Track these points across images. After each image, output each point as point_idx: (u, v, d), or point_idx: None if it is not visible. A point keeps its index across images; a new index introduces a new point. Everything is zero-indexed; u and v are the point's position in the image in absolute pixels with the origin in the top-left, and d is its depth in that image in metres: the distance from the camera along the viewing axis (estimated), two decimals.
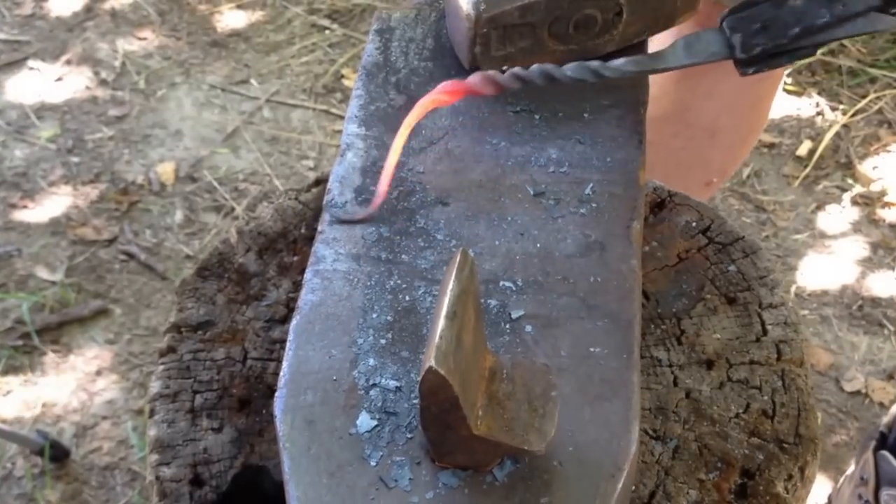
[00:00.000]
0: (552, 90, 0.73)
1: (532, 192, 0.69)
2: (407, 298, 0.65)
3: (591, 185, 0.70)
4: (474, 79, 0.68)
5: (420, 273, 0.66)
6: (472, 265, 0.55)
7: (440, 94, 0.68)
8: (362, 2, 2.50)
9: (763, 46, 0.70)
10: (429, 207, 0.69)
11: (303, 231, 0.92)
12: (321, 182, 0.98)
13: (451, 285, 0.53)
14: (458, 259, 0.54)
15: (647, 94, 0.76)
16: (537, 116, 0.73)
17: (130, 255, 2.02)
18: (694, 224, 0.94)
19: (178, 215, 2.10)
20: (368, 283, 0.66)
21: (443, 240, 0.68)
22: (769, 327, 0.82)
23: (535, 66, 0.69)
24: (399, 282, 0.66)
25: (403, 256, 0.67)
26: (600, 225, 0.68)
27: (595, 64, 0.70)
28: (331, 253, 0.68)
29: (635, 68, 0.71)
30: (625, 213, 0.69)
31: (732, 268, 0.87)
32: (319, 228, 0.70)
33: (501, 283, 0.66)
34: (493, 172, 0.70)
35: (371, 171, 0.70)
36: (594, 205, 0.69)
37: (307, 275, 0.67)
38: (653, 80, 1.42)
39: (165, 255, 2.03)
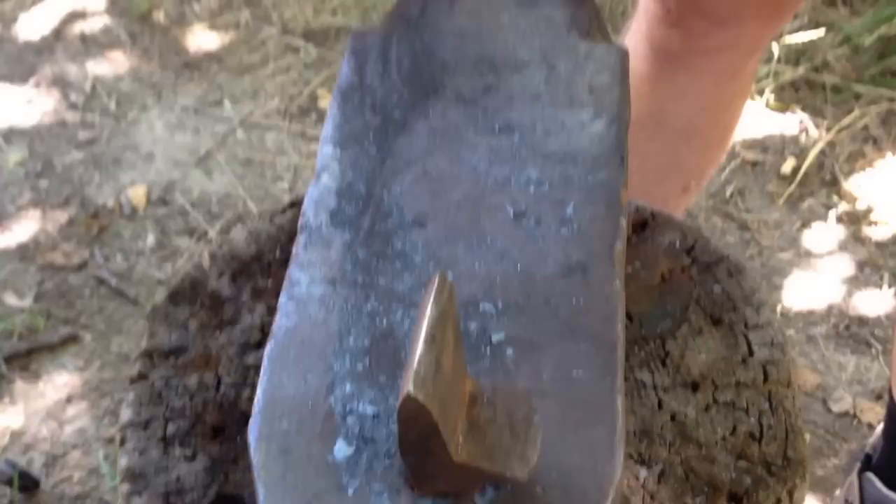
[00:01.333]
0: (532, 105, 0.71)
1: (512, 213, 0.66)
2: (384, 322, 0.63)
3: (572, 205, 0.67)
4: None
5: (398, 296, 0.64)
6: (450, 288, 0.53)
7: None
8: (337, 22, 2.48)
9: None
10: (406, 230, 0.66)
11: (277, 255, 0.89)
12: (296, 205, 0.95)
13: (429, 309, 0.50)
14: (436, 282, 0.51)
15: (629, 110, 0.73)
16: (517, 135, 0.70)
17: (101, 281, 1.97)
18: (677, 243, 0.92)
19: (150, 239, 2.06)
20: (344, 307, 0.64)
21: (421, 262, 0.65)
22: (755, 348, 0.80)
23: None
24: (376, 305, 0.64)
25: (380, 280, 0.64)
26: (582, 246, 0.66)
27: None
28: (306, 277, 0.65)
29: None
30: (607, 233, 0.67)
31: (717, 288, 0.85)
32: (294, 251, 0.68)
33: (481, 306, 0.64)
34: (472, 193, 0.67)
35: (346, 193, 0.67)
36: (576, 225, 0.66)
37: (282, 299, 0.66)
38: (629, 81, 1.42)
39: (137, 280, 1.99)
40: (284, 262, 0.81)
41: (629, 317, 0.81)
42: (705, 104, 1.42)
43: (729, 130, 1.50)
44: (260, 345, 0.79)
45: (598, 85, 0.74)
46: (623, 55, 0.76)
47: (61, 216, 2.08)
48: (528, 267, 0.65)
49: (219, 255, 0.87)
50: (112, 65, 2.40)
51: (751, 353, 0.80)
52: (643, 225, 0.91)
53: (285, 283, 0.66)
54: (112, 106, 2.30)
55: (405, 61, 0.74)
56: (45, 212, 2.08)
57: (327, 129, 0.69)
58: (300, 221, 0.68)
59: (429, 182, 0.67)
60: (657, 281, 0.85)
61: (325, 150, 0.69)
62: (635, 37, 1.39)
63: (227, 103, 2.33)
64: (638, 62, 1.38)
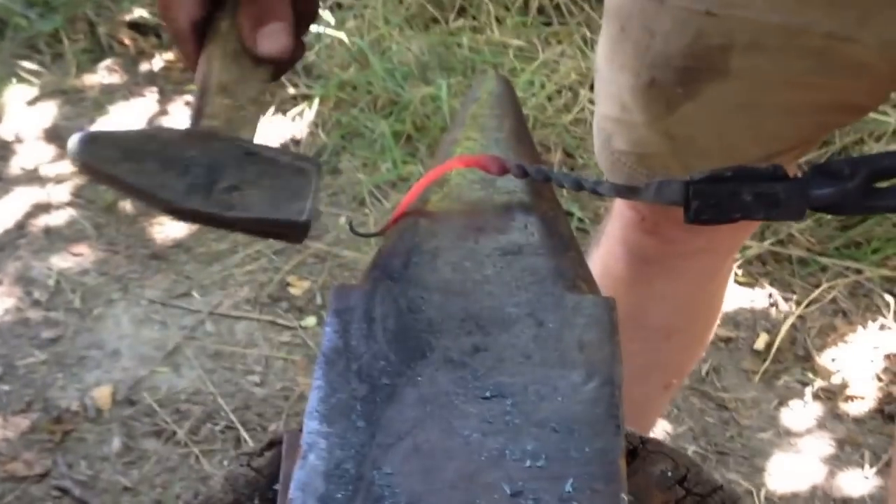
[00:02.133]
0: (522, 366, 0.68)
1: (509, 492, 0.62)
2: None
3: (570, 480, 0.63)
4: (487, 157, 0.86)
5: None
6: None
7: (457, 161, 0.87)
8: None
9: (708, 219, 0.85)
10: None
11: (256, 502, 0.84)
12: (274, 444, 0.91)
13: None
14: None
15: (622, 373, 0.70)
16: (509, 402, 0.67)
17: (64, 491, 1.90)
18: (669, 474, 0.89)
19: (116, 443, 1.99)
20: None
21: None
22: None
23: (538, 166, 0.86)
24: None
25: None
26: None
27: (588, 181, 0.86)
28: None
29: (616, 194, 0.92)
30: None
31: None
32: None
33: None
34: (466, 469, 0.63)
35: (336, 475, 0.63)
36: None
37: None
38: (605, 286, 1.41)
39: (102, 489, 1.91)
40: None
41: None
42: (684, 304, 1.40)
43: (709, 327, 1.49)
44: None
45: (588, 342, 0.71)
46: (611, 307, 0.74)
47: (23, 422, 2.01)
48: None
49: None
50: (77, 259, 2.36)
51: None
52: (633, 453, 0.88)
53: None
54: (77, 302, 2.26)
55: (390, 321, 0.71)
56: (5, 419, 2.02)
57: (313, 401, 0.66)
58: None
59: (421, 458, 0.63)
60: None
61: (312, 426, 0.65)
62: (611, 239, 1.38)
63: (195, 294, 2.30)
64: (615, 264, 1.37)
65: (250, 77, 0.90)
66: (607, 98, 1.20)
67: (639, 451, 0.88)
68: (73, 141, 0.81)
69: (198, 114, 0.88)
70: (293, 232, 0.84)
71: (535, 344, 0.71)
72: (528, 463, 0.64)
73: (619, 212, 1.34)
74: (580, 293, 0.76)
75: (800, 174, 0.87)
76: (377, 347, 0.69)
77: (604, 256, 1.39)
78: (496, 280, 0.76)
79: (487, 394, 0.67)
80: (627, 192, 0.89)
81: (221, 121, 0.88)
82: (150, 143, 0.85)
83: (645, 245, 1.32)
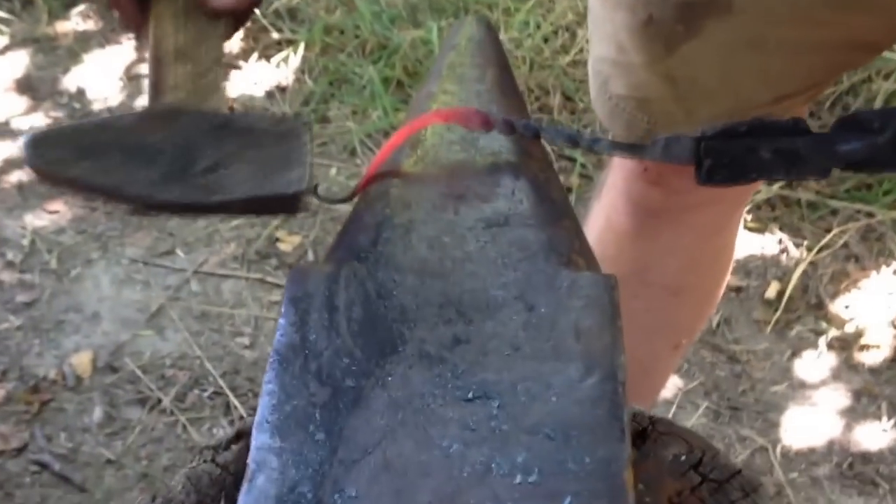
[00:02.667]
0: (510, 360, 0.58)
1: None
2: None
3: (568, 499, 0.53)
4: (467, 110, 0.76)
5: None
6: None
7: (434, 115, 0.77)
8: None
9: (722, 179, 0.76)
10: None
11: None
12: (242, 436, 0.82)
13: None
14: None
15: (625, 365, 0.60)
16: (495, 404, 0.57)
17: (43, 465, 1.81)
18: (683, 458, 0.81)
19: (98, 413, 1.90)
20: None
21: None
22: None
23: (526, 121, 0.76)
24: None
25: None
26: None
27: (584, 138, 0.76)
28: None
29: (617, 152, 0.82)
30: None
31: None
32: None
33: None
34: (445, 489, 0.54)
35: (289, 500, 0.53)
36: None
37: None
38: (608, 239, 1.31)
39: (83, 462, 1.83)
40: None
41: None
42: (691, 260, 1.31)
43: (718, 284, 1.39)
44: None
45: (586, 328, 0.61)
46: (611, 286, 0.64)
47: None
48: None
49: None
50: (53, 216, 2.26)
51: None
52: (642, 435, 0.81)
53: None
54: (53, 262, 2.16)
55: (356, 310, 0.61)
56: None
57: (262, 410, 0.55)
58: None
59: (391, 477, 0.53)
60: None
61: (261, 440, 0.54)
62: (613, 191, 1.28)
63: (179, 252, 2.20)
64: (617, 217, 1.28)
65: (208, 35, 0.80)
66: (602, 38, 1.11)
67: (648, 432, 0.81)
68: (23, 145, 0.72)
69: (156, 88, 0.79)
70: (290, 205, 0.77)
71: (525, 333, 0.60)
72: (518, 479, 0.54)
73: (621, 161, 1.24)
74: (576, 269, 0.66)
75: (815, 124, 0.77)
76: (340, 342, 0.59)
77: (606, 209, 1.30)
78: (479, 257, 0.66)
79: (470, 395, 0.57)
80: (630, 150, 0.80)
81: (184, 92, 0.78)
82: (107, 133, 0.77)
83: (649, 196, 1.23)
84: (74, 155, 0.73)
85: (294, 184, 0.75)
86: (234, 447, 0.82)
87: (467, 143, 0.77)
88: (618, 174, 1.26)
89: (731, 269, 1.40)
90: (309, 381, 0.57)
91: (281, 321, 0.61)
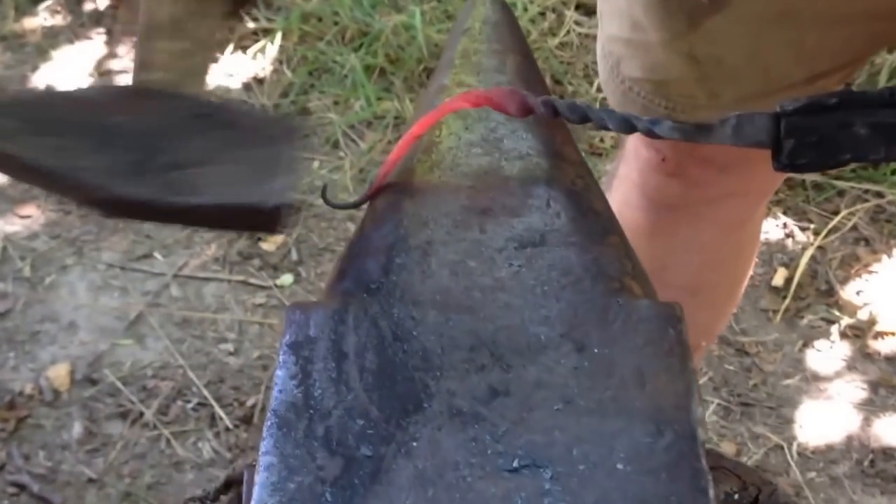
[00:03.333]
0: (561, 417, 0.48)
1: None
2: None
3: None
4: (502, 91, 0.66)
5: None
6: None
7: (461, 101, 0.67)
8: None
9: (809, 161, 0.66)
10: None
11: None
12: (232, 484, 0.72)
13: None
14: None
15: (704, 419, 0.50)
16: (547, 475, 0.46)
17: (21, 487, 1.71)
18: (736, 496, 0.73)
19: (77, 428, 1.80)
20: None
21: None
22: None
23: (571, 101, 0.65)
24: None
25: None
26: None
27: (641, 120, 0.66)
28: None
29: (679, 136, 0.67)
30: None
31: None
32: None
33: None
34: None
35: None
36: None
37: None
38: None
39: (64, 482, 1.72)
40: None
41: None
42: (711, 258, 1.21)
43: (739, 282, 1.30)
44: None
45: (652, 373, 0.50)
46: (677, 317, 0.53)
47: None
48: None
49: None
50: (25, 221, 2.15)
51: None
52: None
53: None
54: (26, 270, 2.05)
55: (369, 356, 0.50)
56: None
57: (260, 491, 0.45)
58: None
59: None
60: None
61: None
62: (626, 184, 1.18)
63: (157, 255, 2.10)
64: (631, 214, 1.18)
65: (208, 10, 0.69)
66: (614, 15, 1.01)
67: None
68: None
69: (142, 63, 0.67)
70: (267, 220, 0.63)
71: (577, 381, 0.50)
72: None
73: (635, 151, 1.14)
74: (631, 297, 0.56)
75: None
76: (352, 398, 0.48)
77: (618, 205, 1.20)
78: (513, 285, 0.55)
79: (515, 463, 0.46)
80: (695, 133, 0.68)
81: (167, 71, 0.67)
82: (65, 106, 0.64)
83: (666, 190, 1.14)
84: (16, 126, 0.61)
85: (276, 195, 0.63)
86: (223, 498, 0.73)
87: (490, 145, 0.66)
88: (631, 165, 1.16)
89: (751, 268, 1.31)
90: (316, 451, 0.47)
91: (278, 373, 0.50)
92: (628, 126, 0.66)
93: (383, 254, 0.58)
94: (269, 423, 0.48)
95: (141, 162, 0.61)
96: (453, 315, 0.54)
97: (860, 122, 0.64)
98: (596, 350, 0.52)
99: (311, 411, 0.49)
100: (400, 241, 0.59)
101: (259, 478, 0.46)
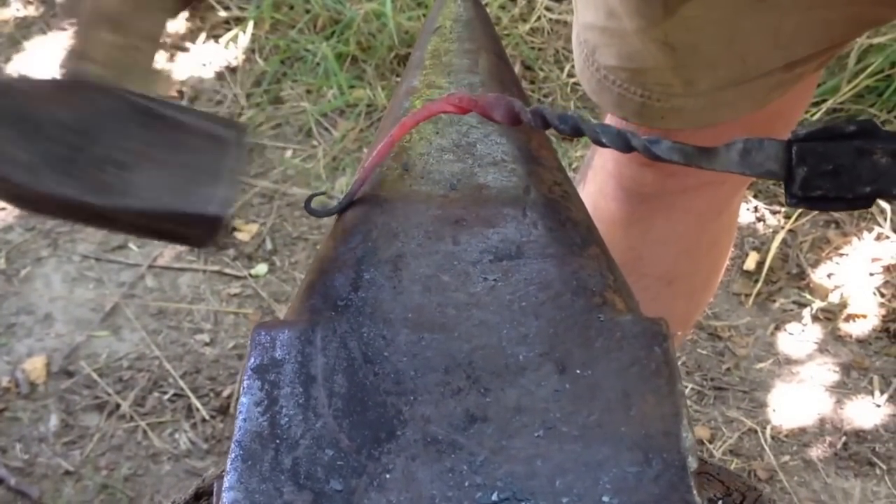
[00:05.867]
0: (543, 445, 0.47)
1: None
2: None
3: None
4: (490, 98, 0.63)
5: None
6: None
7: (445, 104, 0.63)
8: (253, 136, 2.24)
9: (824, 192, 0.61)
10: None
11: None
12: (202, 496, 0.72)
13: None
14: None
15: (694, 445, 0.49)
16: None
17: None
18: (720, 503, 0.70)
19: (54, 421, 1.79)
20: None
21: None
22: None
23: (563, 112, 0.62)
24: None
25: None
26: None
27: (638, 138, 0.62)
28: None
29: (681, 159, 0.62)
30: None
31: None
32: None
33: None
34: None
35: None
36: None
37: None
38: (598, 226, 1.22)
39: (41, 474, 1.72)
40: None
41: None
42: (687, 247, 1.21)
43: (716, 272, 1.30)
44: None
45: (638, 395, 0.48)
46: (663, 333, 0.52)
47: None
48: None
49: None
50: None
51: None
52: None
53: None
54: (1, 262, 2.04)
55: (339, 380, 0.49)
56: None
57: None
58: None
59: None
60: None
61: None
62: (601, 174, 1.18)
63: (132, 246, 2.09)
64: (606, 204, 1.18)
65: (156, 3, 0.65)
66: (589, 3, 1.00)
67: None
68: None
69: (76, 54, 0.63)
70: (201, 230, 0.60)
71: (559, 404, 0.48)
72: None
73: None
74: (614, 312, 0.54)
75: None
76: (321, 426, 0.47)
77: (593, 195, 1.20)
78: (489, 301, 0.54)
79: (495, 496, 0.45)
80: (699, 156, 0.62)
81: (106, 65, 0.63)
82: None
83: (641, 179, 1.13)
84: None
85: (215, 204, 0.59)
86: None
87: (462, 151, 0.64)
88: (606, 155, 1.16)
89: (727, 258, 1.31)
90: (283, 485, 0.45)
91: (242, 400, 0.49)
92: (624, 142, 0.62)
93: (352, 268, 0.56)
94: (232, 455, 0.46)
95: (69, 158, 0.58)
96: (426, 334, 0.52)
97: (881, 151, 0.59)
98: (578, 371, 0.50)
99: (278, 441, 0.47)
100: (369, 255, 0.57)
101: None
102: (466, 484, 0.46)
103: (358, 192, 0.65)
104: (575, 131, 0.62)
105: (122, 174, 0.59)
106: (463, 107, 0.64)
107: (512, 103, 0.63)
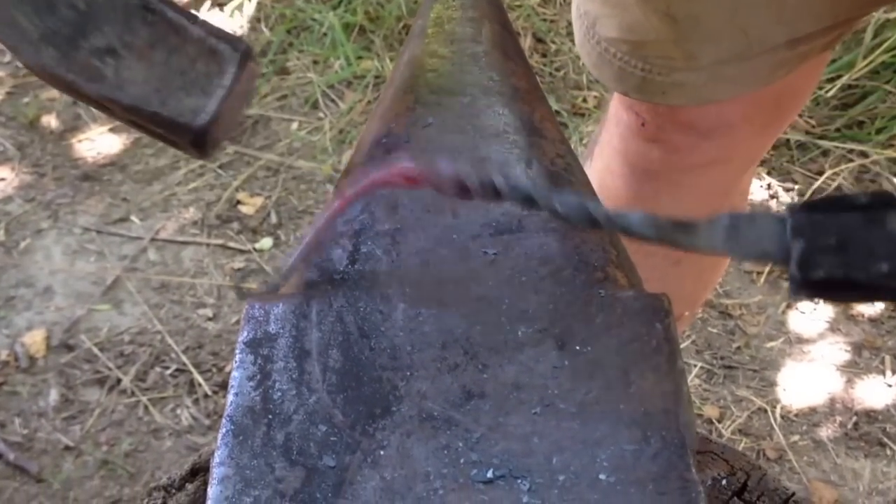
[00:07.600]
0: (541, 422, 0.45)
1: None
2: None
3: None
4: (440, 169, 0.53)
5: None
6: None
7: (394, 176, 0.55)
8: (255, 112, 2.21)
9: (828, 272, 0.48)
10: None
11: None
12: (199, 472, 0.69)
13: None
14: None
15: (693, 423, 0.47)
16: (525, 486, 0.43)
17: None
18: (724, 482, 0.67)
19: (53, 395, 1.77)
20: None
21: None
22: None
23: (516, 182, 0.51)
24: None
25: None
26: None
27: (602, 209, 0.51)
28: None
29: (654, 233, 0.52)
30: None
31: None
32: None
33: None
34: None
35: None
36: None
37: None
38: (602, 200, 1.19)
39: (40, 450, 1.70)
40: None
41: None
42: None
43: None
44: None
45: (638, 372, 0.47)
46: (665, 309, 0.50)
47: None
48: None
49: None
50: None
51: None
52: None
53: None
54: (0, 234, 2.01)
55: (334, 354, 0.47)
56: None
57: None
58: None
59: None
60: None
61: None
62: (607, 150, 1.15)
63: (134, 219, 2.06)
64: (613, 180, 1.15)
65: None
66: None
67: None
68: None
69: None
70: (184, 138, 0.60)
71: (558, 381, 0.46)
72: None
73: (616, 115, 1.12)
74: (616, 288, 0.52)
75: None
76: (315, 402, 0.45)
77: (600, 172, 1.17)
78: (489, 276, 0.52)
79: (490, 474, 0.43)
80: (674, 230, 0.54)
81: None
82: None
83: (647, 156, 1.10)
84: None
85: (191, 114, 0.59)
86: (189, 486, 0.70)
87: (464, 122, 0.62)
88: (612, 130, 1.13)
89: None
90: (275, 461, 0.43)
91: (234, 374, 0.47)
92: (585, 216, 0.52)
93: (349, 240, 0.54)
94: (223, 430, 0.44)
95: (72, 40, 0.59)
96: (424, 309, 0.50)
97: None
98: (578, 347, 0.49)
99: (270, 416, 0.45)
100: (367, 227, 0.55)
101: (212, 491, 0.43)
102: (462, 461, 0.45)
103: (291, 268, 0.59)
104: (528, 202, 0.53)
105: (118, 67, 0.60)
106: (411, 178, 0.58)
107: (461, 176, 0.55)
